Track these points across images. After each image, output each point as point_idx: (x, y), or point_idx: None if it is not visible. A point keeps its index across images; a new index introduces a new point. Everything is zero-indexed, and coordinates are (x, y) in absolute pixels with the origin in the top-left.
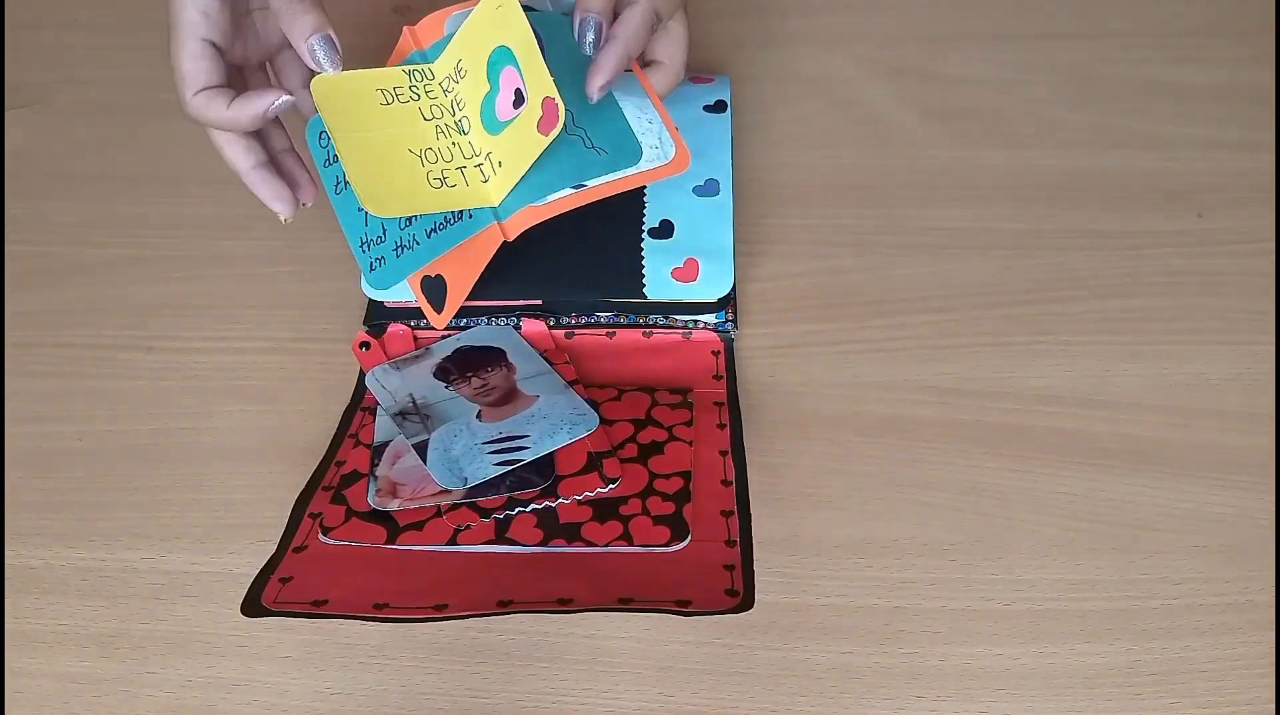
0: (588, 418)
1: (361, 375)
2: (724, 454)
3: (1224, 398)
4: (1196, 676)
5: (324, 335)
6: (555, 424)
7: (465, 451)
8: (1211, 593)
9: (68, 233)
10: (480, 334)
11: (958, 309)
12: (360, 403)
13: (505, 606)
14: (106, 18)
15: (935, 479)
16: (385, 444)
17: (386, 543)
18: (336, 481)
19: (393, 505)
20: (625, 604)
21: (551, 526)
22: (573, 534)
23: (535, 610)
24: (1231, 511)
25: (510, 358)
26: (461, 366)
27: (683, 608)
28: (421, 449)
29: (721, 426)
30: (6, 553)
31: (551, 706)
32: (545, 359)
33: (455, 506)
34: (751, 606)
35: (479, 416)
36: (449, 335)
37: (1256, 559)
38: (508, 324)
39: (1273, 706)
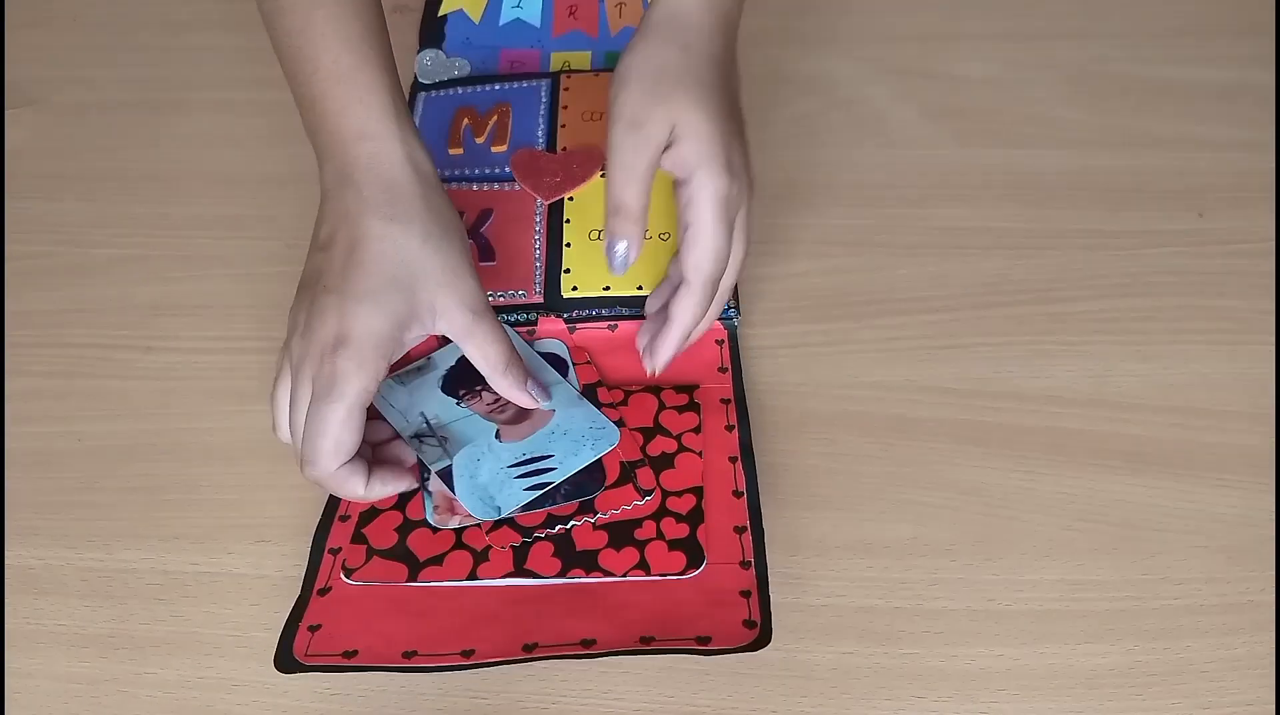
0: (608, 431)
1: None
2: (733, 460)
3: (1225, 398)
4: (1197, 677)
5: None
6: (576, 440)
7: (492, 477)
8: (1213, 593)
9: (68, 233)
10: None
11: (958, 309)
12: None
13: (530, 651)
14: (106, 18)
15: (935, 479)
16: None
17: (408, 580)
18: (354, 515)
19: (453, 522)
20: (646, 643)
21: (569, 556)
22: (590, 563)
23: (560, 655)
24: (1232, 512)
25: None
26: (469, 378)
27: (703, 646)
28: (446, 476)
29: (730, 428)
30: (6, 553)
31: (552, 707)
32: (548, 365)
33: (497, 525)
34: (769, 642)
35: (498, 436)
36: (449, 342)
37: (1257, 559)
38: (507, 321)
39: (1273, 707)
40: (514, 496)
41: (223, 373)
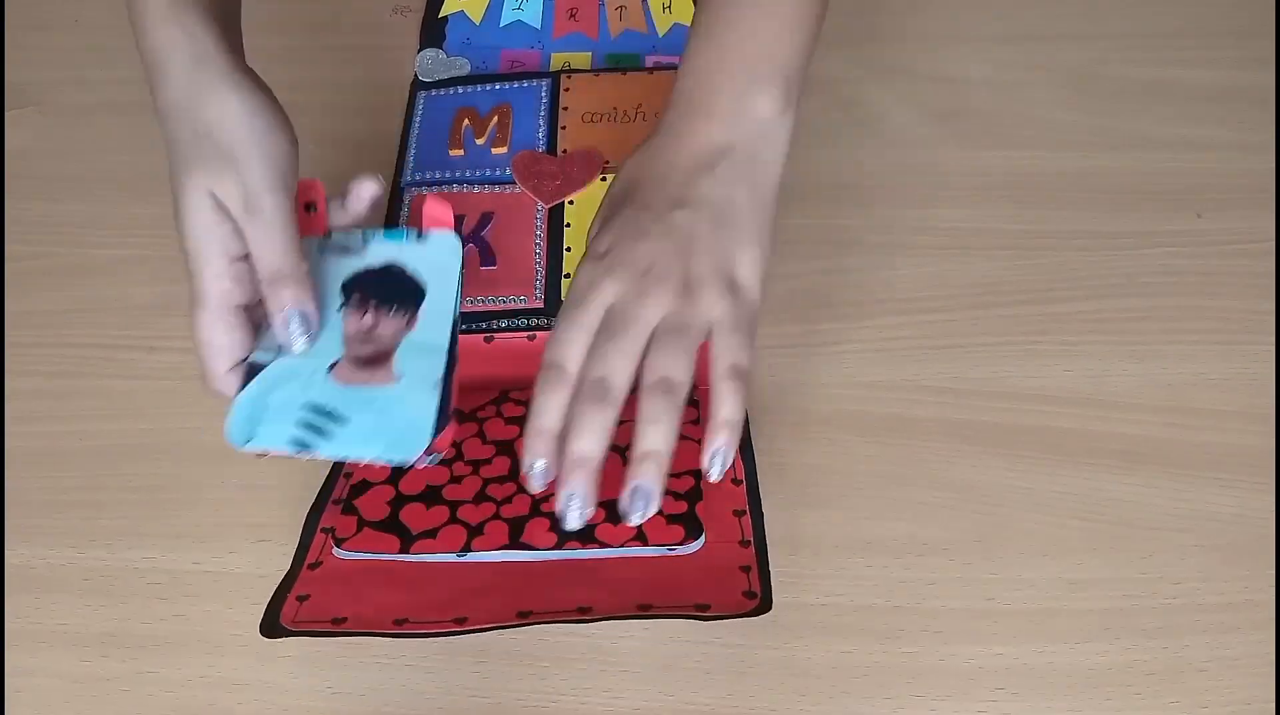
0: (410, 442)
1: None
2: None
3: (1223, 397)
4: (1195, 676)
5: None
6: (379, 427)
7: (281, 404)
8: (1210, 592)
9: (68, 233)
10: (426, 255)
11: (955, 309)
12: None
13: (525, 617)
14: (106, 18)
15: (935, 479)
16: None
17: (400, 552)
18: (346, 493)
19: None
20: (645, 610)
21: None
22: (587, 535)
23: (555, 620)
24: (1230, 511)
25: (423, 307)
26: (376, 289)
27: (702, 612)
28: (251, 372)
29: None
30: (7, 552)
31: (551, 706)
32: (453, 331)
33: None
34: (770, 609)
35: (332, 368)
36: (410, 230)
37: (1255, 558)
38: (507, 327)
39: (1272, 706)
40: (274, 437)
41: None
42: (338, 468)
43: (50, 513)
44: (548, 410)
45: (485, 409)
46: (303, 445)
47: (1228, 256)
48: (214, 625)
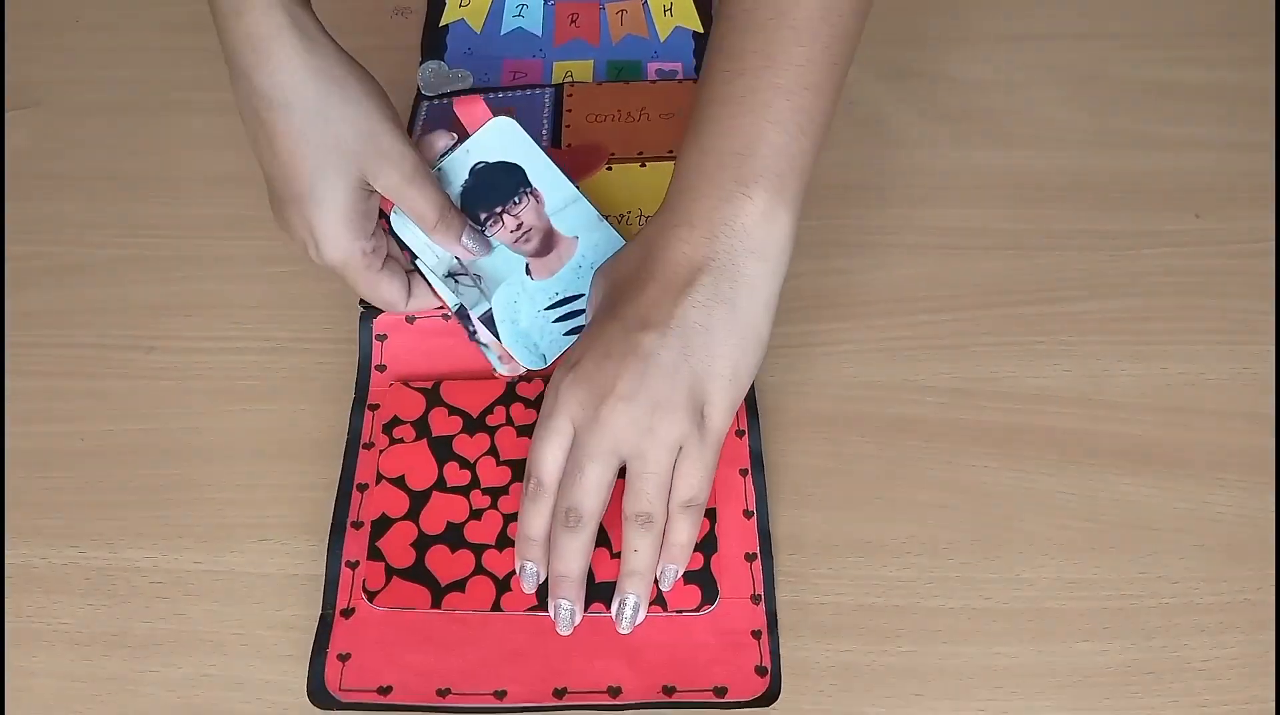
0: None
1: (361, 369)
2: (744, 473)
3: (1223, 398)
4: (1195, 675)
5: (324, 335)
6: None
7: (532, 322)
8: (1210, 592)
9: (68, 233)
10: (488, 142)
11: (957, 309)
12: (365, 402)
13: (560, 697)
14: (106, 18)
15: (935, 479)
16: (463, 307)
17: (432, 606)
18: (366, 523)
19: (521, 369)
20: (669, 694)
21: (589, 587)
22: (610, 596)
23: (588, 705)
24: (1230, 511)
25: (530, 177)
26: (488, 194)
27: (720, 698)
28: (489, 322)
29: (740, 433)
30: (8, 552)
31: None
32: (564, 173)
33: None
34: (777, 696)
35: (528, 272)
36: (456, 146)
37: (1255, 558)
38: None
39: (1272, 706)
40: (555, 342)
41: (224, 373)
42: (348, 481)
43: (51, 513)
44: (533, 522)
45: (494, 412)
46: (576, 330)
47: (1228, 256)
48: (214, 625)
